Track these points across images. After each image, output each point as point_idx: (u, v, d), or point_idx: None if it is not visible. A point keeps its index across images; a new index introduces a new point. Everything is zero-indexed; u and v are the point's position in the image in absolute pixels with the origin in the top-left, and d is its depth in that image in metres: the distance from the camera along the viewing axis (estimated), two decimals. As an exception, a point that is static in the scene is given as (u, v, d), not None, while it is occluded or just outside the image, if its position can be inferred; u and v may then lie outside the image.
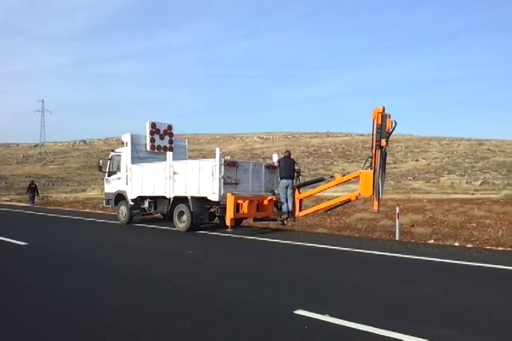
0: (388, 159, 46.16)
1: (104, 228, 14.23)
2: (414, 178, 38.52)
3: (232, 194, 11.37)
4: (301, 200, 12.11)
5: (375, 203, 10.49)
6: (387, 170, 11.41)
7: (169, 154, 13.33)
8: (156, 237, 11.68)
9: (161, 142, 15.03)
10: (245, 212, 11.65)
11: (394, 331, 3.96)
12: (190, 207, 12.14)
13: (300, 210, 12.07)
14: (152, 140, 14.79)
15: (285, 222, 12.66)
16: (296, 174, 12.19)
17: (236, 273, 6.78)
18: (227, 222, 11.36)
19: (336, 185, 11.70)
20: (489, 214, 15.61)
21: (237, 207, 11.44)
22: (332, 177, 11.74)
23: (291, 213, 12.08)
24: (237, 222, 13.11)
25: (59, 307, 4.88)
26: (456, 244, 10.00)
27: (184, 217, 12.43)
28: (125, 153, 14.70)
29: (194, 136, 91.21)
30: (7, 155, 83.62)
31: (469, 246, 9.73)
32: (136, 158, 14.50)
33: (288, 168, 12.15)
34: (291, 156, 12.70)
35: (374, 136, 10.38)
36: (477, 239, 10.63)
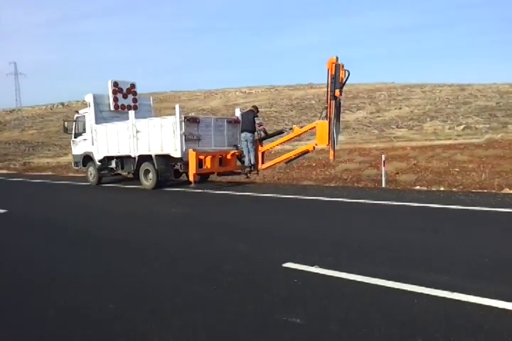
0: (372, 108, 45.78)
1: (74, 190, 14.75)
2: (397, 126, 38.58)
3: (194, 150, 11.64)
4: (263, 153, 12.45)
5: (331, 152, 10.90)
6: (341, 120, 11.68)
7: (131, 113, 13.39)
8: (125, 196, 12.19)
9: (125, 101, 14.97)
10: (208, 167, 12.07)
11: (383, 279, 3.96)
12: (155, 165, 12.42)
13: (263, 163, 12.42)
14: (115, 99, 14.74)
15: (249, 175, 12.88)
16: (259, 128, 12.30)
17: (223, 229, 6.75)
18: (190, 178, 11.81)
19: (295, 136, 11.99)
20: (472, 159, 15.76)
21: (199, 163, 11.80)
22: (291, 129, 12.06)
23: (253, 166, 12.39)
24: (204, 177, 13.69)
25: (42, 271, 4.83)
26: (442, 188, 10.15)
27: (150, 175, 12.79)
28: (89, 113, 14.71)
29: (175, 94, 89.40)
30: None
31: (455, 190, 9.87)
32: (100, 119, 14.52)
33: (248, 121, 12.30)
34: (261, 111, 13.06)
35: (328, 87, 10.52)
36: (461, 184, 10.74)
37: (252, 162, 12.31)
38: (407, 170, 14.32)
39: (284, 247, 5.36)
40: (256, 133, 12.35)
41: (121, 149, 13.58)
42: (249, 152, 12.26)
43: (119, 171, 14.54)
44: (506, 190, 9.43)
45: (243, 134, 12.27)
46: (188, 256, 5.19)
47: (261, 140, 12.45)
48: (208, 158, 12.01)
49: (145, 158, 12.82)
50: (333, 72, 10.33)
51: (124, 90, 14.95)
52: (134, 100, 15.21)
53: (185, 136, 11.83)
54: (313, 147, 11.44)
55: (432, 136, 30.50)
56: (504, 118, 37.49)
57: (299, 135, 12.02)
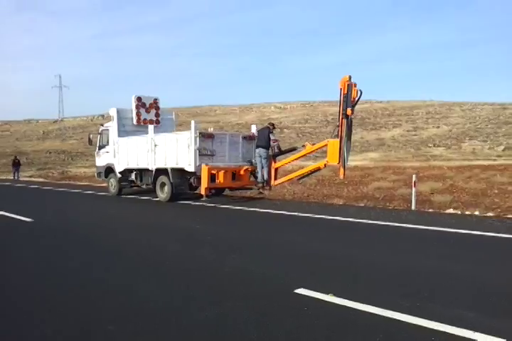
0: (409, 126, 45.05)
1: (96, 200, 15.20)
2: (434, 145, 37.63)
3: (207, 165, 11.87)
4: (276, 169, 12.61)
5: (341, 170, 11.02)
6: (352, 139, 11.77)
7: (151, 127, 13.82)
8: (140, 208, 12.51)
9: (147, 115, 15.33)
10: (221, 181, 12.23)
11: (403, 312, 3.58)
12: (170, 178, 12.72)
13: (275, 179, 12.55)
14: (138, 114, 15.14)
15: (262, 190, 13.02)
16: (274, 144, 12.42)
17: (236, 247, 6.50)
18: (202, 191, 12.03)
19: (308, 153, 12.16)
20: (512, 181, 15.12)
21: (212, 177, 12.04)
22: (303, 146, 12.24)
23: (266, 182, 12.53)
24: (219, 191, 14.00)
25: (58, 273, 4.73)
26: (477, 212, 9.60)
27: (166, 188, 13.03)
28: (112, 127, 15.25)
29: (211, 108, 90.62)
30: (28, 132, 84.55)
31: (490, 214, 9.34)
32: (122, 132, 15.01)
33: (263, 137, 12.46)
34: (275, 128, 13.00)
35: (340, 105, 10.67)
36: (498, 207, 10.24)
37: (265, 178, 12.45)
38: (443, 190, 13.85)
39: (297, 271, 5.09)
40: (270, 150, 12.45)
41: (140, 162, 14.02)
42: (262, 168, 12.41)
43: (138, 183, 14.91)
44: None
45: (257, 150, 12.42)
46: (190, 276, 4.94)
47: (275, 156, 12.60)
48: (221, 173, 12.16)
49: (161, 172, 13.14)
50: (346, 91, 10.49)
51: (147, 105, 15.34)
52: (157, 114, 15.57)
53: (199, 150, 12.07)
54: (325, 164, 11.54)
55: (471, 156, 29.56)
56: (548, 139, 36.04)
57: (311, 152, 12.09)
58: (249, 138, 13.26)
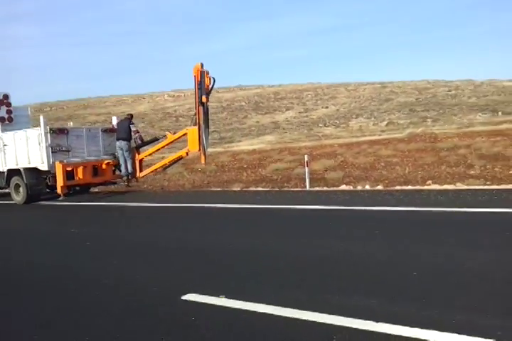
0: (300, 108, 46.42)
1: None
2: (325, 125, 39.46)
3: (61, 162, 11.45)
4: (140, 161, 12.53)
5: (202, 157, 11.28)
6: (210, 125, 12.21)
7: None
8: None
9: None
10: (81, 177, 11.94)
11: (299, 309, 3.27)
12: (24, 179, 12.07)
13: (141, 171, 12.51)
14: None
15: (128, 183, 12.88)
16: (135, 135, 12.25)
17: (114, 250, 5.92)
18: (59, 190, 11.54)
19: (170, 143, 12.14)
20: (396, 153, 16.21)
21: (70, 174, 11.69)
22: (165, 136, 12.28)
23: (131, 174, 12.40)
24: (85, 188, 13.59)
25: None
26: (367, 187, 10.02)
27: (21, 190, 12.34)
28: None
29: (100, 99, 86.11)
30: None
31: (380, 188, 9.77)
32: None
33: (123, 129, 12.21)
34: (133, 119, 12.92)
35: (196, 93, 10.85)
36: (386, 178, 10.91)
37: (130, 170, 12.27)
38: (335, 167, 14.44)
39: (188, 272, 4.60)
40: (133, 141, 12.28)
41: None
42: (125, 161, 12.18)
43: None
44: (429, 185, 9.63)
45: (118, 143, 12.14)
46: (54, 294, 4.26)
47: (138, 147, 12.47)
48: (80, 169, 11.86)
49: (14, 172, 12.46)
50: (199, 79, 10.62)
51: None
52: (8, 111, 14.39)
53: (51, 147, 11.62)
54: (187, 153, 11.71)
55: (358, 133, 31.39)
56: (424, 112, 39.49)
57: (173, 141, 12.13)
58: (109, 130, 13.00)
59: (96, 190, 14.28)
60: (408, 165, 12.80)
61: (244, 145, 28.99)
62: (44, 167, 11.70)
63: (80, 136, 12.34)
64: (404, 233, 5.59)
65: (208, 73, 10.70)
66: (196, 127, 11.00)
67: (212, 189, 12.31)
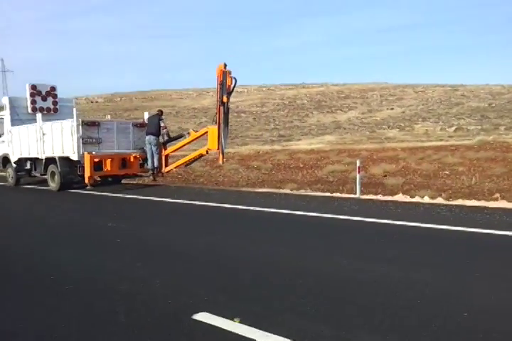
0: (364, 108, 45.41)
1: None
2: (389, 127, 38.20)
3: (89, 153, 12.00)
4: (166, 156, 12.85)
5: (220, 156, 11.39)
6: (230, 125, 12.28)
7: (39, 116, 13.72)
8: (31, 198, 12.77)
9: (44, 104, 15.16)
10: (109, 169, 12.44)
11: None
12: (58, 167, 12.76)
13: (166, 166, 12.77)
14: (33, 102, 15.00)
15: (153, 177, 13.23)
16: (163, 131, 12.55)
17: (142, 251, 5.62)
18: (86, 180, 12.18)
19: (192, 140, 12.37)
20: (463, 161, 15.30)
21: (99, 166, 12.23)
22: (188, 133, 12.48)
23: (156, 169, 12.65)
24: (117, 179, 14.27)
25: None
26: (426, 198, 9.32)
27: (56, 177, 13.03)
28: (5, 116, 15.10)
29: (165, 92, 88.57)
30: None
31: (439, 201, 8.99)
32: (16, 121, 14.87)
33: (152, 124, 12.55)
34: (163, 115, 13.05)
35: (217, 93, 11.00)
36: (450, 188, 10.27)
37: (156, 165, 12.54)
38: (396, 172, 13.85)
39: (206, 285, 4.19)
40: (160, 137, 12.59)
41: (32, 151, 13.95)
42: (152, 155, 12.47)
43: (34, 173, 14.82)
44: (496, 200, 8.88)
45: (147, 137, 12.43)
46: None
47: (165, 143, 12.81)
48: (108, 161, 12.34)
49: (51, 161, 13.15)
50: (221, 79, 10.74)
51: (43, 93, 15.17)
52: (54, 103, 15.37)
53: (82, 139, 12.19)
54: (207, 151, 11.86)
55: (424, 137, 30.09)
56: (496, 119, 37.21)
57: (196, 139, 12.34)
58: (140, 125, 13.44)
59: (135, 181, 14.75)
60: (475, 175, 12.02)
61: (303, 145, 28.62)
62: (75, 157, 12.29)
63: (111, 129, 12.86)
64: (462, 259, 4.98)
65: (230, 73, 10.79)
66: (216, 126, 11.13)
67: (257, 190, 12.02)
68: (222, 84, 10.76)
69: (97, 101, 77.91)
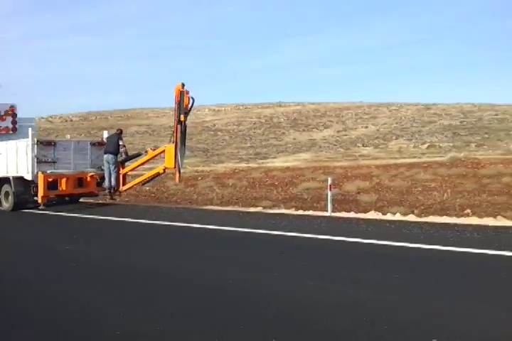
0: (339, 127, 45.80)
1: None
2: (363, 145, 38.70)
3: (43, 172, 11.89)
4: (124, 175, 12.90)
5: (177, 174, 11.64)
6: (187, 144, 12.50)
7: None
8: None
9: (2, 123, 15.05)
10: (64, 188, 12.40)
11: None
12: (12, 187, 12.56)
13: (123, 184, 12.84)
14: None
15: (110, 196, 13.20)
16: (122, 149, 12.65)
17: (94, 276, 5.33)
18: (39, 200, 12.07)
19: (150, 159, 12.70)
20: (435, 177, 15.47)
21: (54, 185, 12.19)
22: (146, 152, 12.89)
23: (114, 188, 12.66)
24: (74, 198, 14.03)
25: None
26: (398, 214, 9.25)
27: (9, 197, 12.84)
28: None
29: (142, 110, 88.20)
30: None
31: (411, 218, 8.90)
32: None
33: (111, 143, 12.66)
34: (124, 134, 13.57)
35: (175, 112, 11.38)
36: (422, 204, 10.33)
37: (113, 184, 12.54)
38: (369, 189, 13.90)
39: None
40: (119, 156, 12.69)
41: None
42: (110, 174, 12.47)
43: None
44: (468, 215, 8.92)
45: (105, 156, 12.48)
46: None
47: (123, 162, 12.89)
48: (64, 180, 12.29)
49: (5, 181, 13.00)
50: (178, 99, 11.03)
51: (2, 112, 15.06)
52: (13, 122, 15.22)
53: (37, 158, 12.10)
54: (164, 170, 12.05)
55: (397, 155, 30.53)
56: (467, 137, 38.12)
57: (153, 157, 12.67)
58: (98, 144, 13.46)
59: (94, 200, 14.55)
60: (447, 191, 12.12)
61: (279, 162, 28.67)
62: (29, 176, 12.21)
63: (68, 148, 12.88)
64: (422, 275, 4.87)
65: (187, 93, 11.05)
66: (173, 145, 11.30)
67: (225, 208, 11.87)
68: (179, 103, 11.04)
69: (71, 120, 76.97)
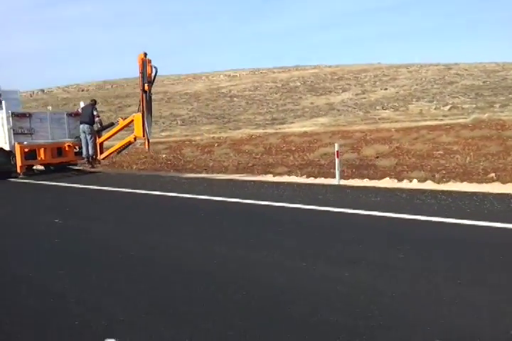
0: (358, 89, 44.79)
1: None
2: (383, 107, 37.75)
3: (19, 143, 12.38)
4: (101, 144, 13.38)
5: (146, 143, 12.18)
6: (153, 113, 12.98)
7: None
8: None
9: None
10: (43, 158, 12.97)
11: None
12: None
13: (101, 153, 13.34)
14: None
15: (88, 164, 13.68)
16: (96, 119, 13.04)
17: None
18: (18, 169, 12.57)
19: (121, 128, 13.11)
20: (457, 140, 14.99)
21: (33, 155, 12.77)
22: (118, 121, 13.28)
23: (92, 156, 13.17)
24: (58, 167, 14.39)
25: None
26: (414, 182, 8.78)
27: None
28: None
29: (157, 78, 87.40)
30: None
31: (427, 186, 8.31)
32: None
33: (86, 114, 13.06)
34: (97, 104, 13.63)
35: (140, 82, 11.61)
36: (443, 168, 9.97)
37: (91, 152, 13.03)
38: (389, 153, 13.54)
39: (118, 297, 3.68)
40: (94, 125, 13.06)
41: None
42: (87, 143, 12.94)
43: None
44: (491, 180, 8.58)
45: (81, 126, 12.94)
46: None
47: (98, 131, 13.33)
48: (42, 150, 12.82)
49: None
50: (142, 68, 11.23)
51: None
52: None
53: (13, 130, 12.56)
54: (134, 138, 12.55)
55: (418, 117, 29.72)
56: (491, 97, 36.80)
57: (125, 126, 12.98)
58: (74, 115, 13.86)
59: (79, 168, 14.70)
60: (470, 154, 11.71)
61: (296, 127, 28.24)
62: (7, 147, 12.70)
63: (44, 119, 13.31)
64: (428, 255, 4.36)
65: (150, 62, 11.28)
66: (140, 114, 11.66)
67: (234, 177, 11.32)
68: (142, 73, 11.25)
69: (87, 90, 76.86)
